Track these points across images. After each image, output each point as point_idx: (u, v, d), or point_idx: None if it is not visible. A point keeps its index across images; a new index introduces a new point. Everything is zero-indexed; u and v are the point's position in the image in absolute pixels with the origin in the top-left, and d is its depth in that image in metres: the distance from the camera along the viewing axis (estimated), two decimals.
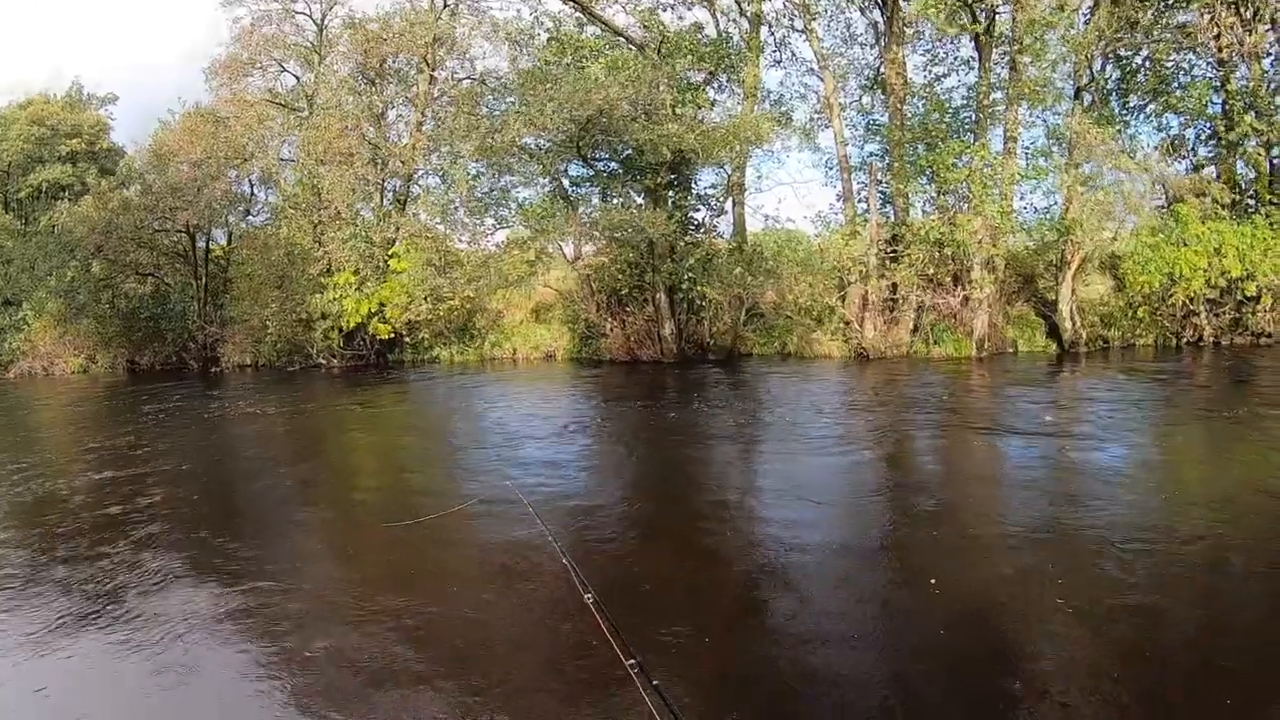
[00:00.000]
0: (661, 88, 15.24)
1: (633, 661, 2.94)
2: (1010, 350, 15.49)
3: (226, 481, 8.04)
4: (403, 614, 4.24)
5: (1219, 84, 15.51)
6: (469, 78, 18.43)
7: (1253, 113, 14.89)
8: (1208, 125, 16.02)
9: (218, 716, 3.52)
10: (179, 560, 5.28)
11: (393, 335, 18.10)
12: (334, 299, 17.96)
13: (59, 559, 5.46)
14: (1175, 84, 16.15)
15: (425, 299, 17.04)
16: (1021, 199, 15.84)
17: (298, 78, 19.82)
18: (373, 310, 17.78)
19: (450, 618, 4.31)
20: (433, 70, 18.45)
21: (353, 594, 4.64)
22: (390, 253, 17.89)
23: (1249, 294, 14.60)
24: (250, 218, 21.03)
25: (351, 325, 18.04)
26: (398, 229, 17.92)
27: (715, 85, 17.19)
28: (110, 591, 4.75)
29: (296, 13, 19.31)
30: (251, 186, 20.83)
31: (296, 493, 7.36)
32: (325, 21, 19.48)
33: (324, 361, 18.72)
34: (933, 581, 4.33)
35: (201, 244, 20.46)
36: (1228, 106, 15.32)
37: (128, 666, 3.84)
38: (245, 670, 3.79)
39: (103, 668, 3.88)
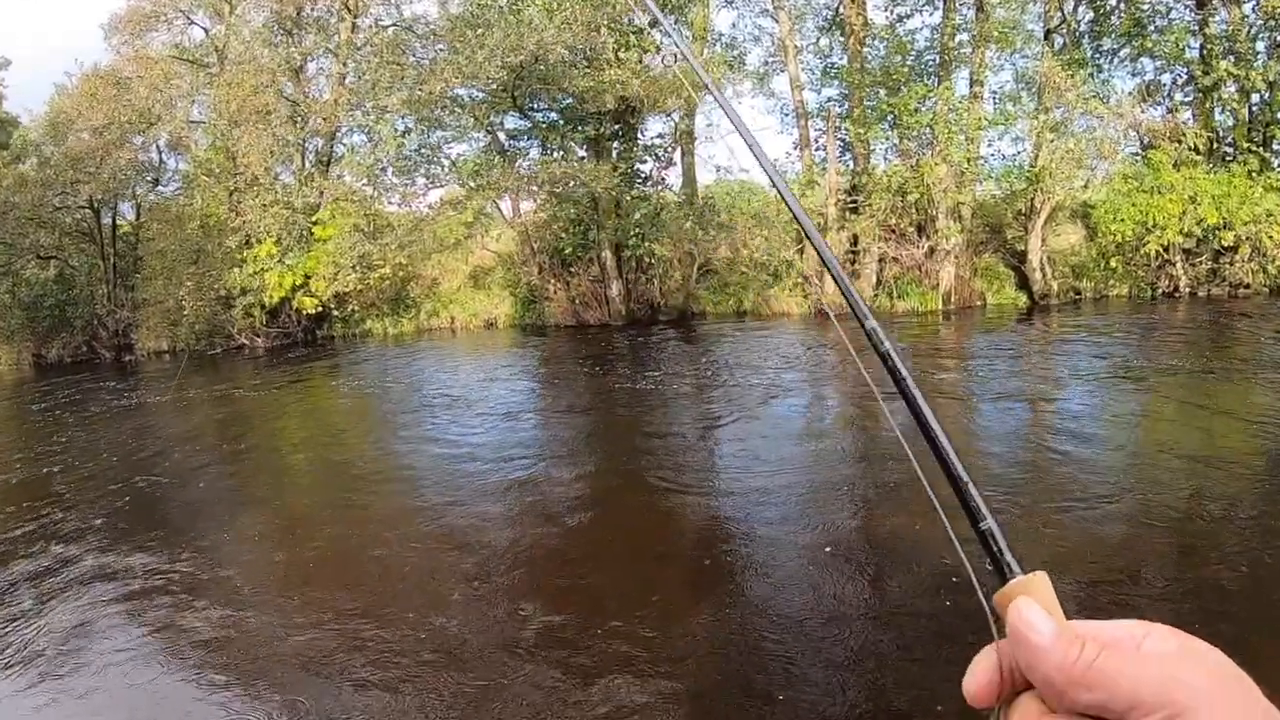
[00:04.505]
0: (602, 31, 14.02)
1: None
2: (979, 303, 14.62)
3: (138, 487, 6.88)
4: None
5: (1197, 27, 14.68)
6: (395, 24, 16.89)
7: (1231, 58, 14.10)
8: (1184, 70, 15.21)
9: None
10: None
11: (320, 309, 16.64)
12: (255, 273, 16.45)
13: None
14: (1151, 27, 15.29)
15: (353, 268, 15.73)
16: (989, 145, 15.03)
17: (206, 30, 18.06)
18: (297, 283, 16.31)
19: None
20: (355, 17, 16.92)
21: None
22: (314, 219, 16.40)
23: (1226, 244, 13.86)
24: (160, 188, 19.20)
25: (275, 301, 16.54)
26: (321, 193, 16.43)
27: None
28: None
29: None
30: (160, 153, 19.01)
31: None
32: None
33: (247, 342, 17.20)
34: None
35: (107, 220, 18.64)
36: (1205, 51, 14.50)
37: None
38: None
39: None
